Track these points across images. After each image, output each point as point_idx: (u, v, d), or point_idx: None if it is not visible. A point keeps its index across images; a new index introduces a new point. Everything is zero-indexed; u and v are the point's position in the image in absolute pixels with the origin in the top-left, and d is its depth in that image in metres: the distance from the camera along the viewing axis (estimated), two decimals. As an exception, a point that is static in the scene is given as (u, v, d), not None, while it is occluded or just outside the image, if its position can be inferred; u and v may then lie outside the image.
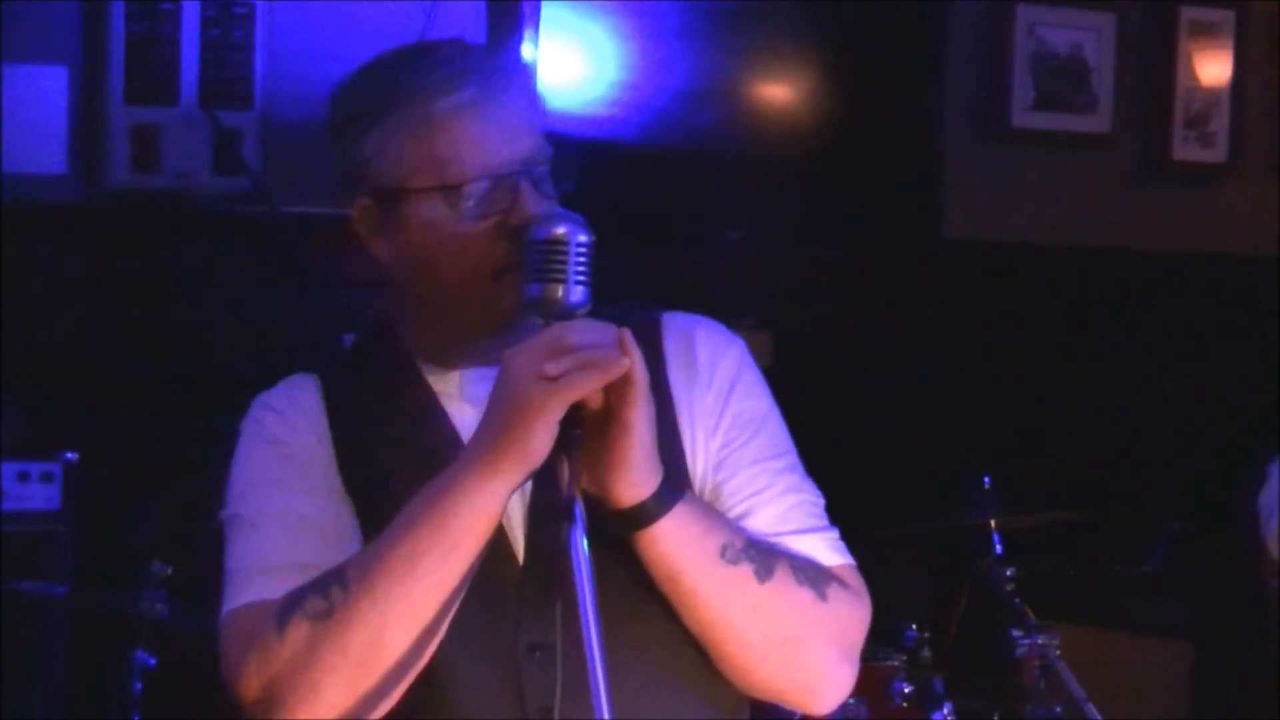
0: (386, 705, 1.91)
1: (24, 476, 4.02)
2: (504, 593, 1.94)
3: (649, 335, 2.08)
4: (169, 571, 3.48)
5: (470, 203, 1.97)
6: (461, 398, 2.07)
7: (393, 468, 2.03)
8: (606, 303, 1.94)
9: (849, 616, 2.04)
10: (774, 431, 2.12)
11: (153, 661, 3.48)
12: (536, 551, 1.97)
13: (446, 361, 2.08)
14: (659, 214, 4.67)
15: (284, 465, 2.04)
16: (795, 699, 2.05)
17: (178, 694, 3.46)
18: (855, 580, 2.07)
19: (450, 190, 1.96)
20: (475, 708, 1.97)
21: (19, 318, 4.37)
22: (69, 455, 4.05)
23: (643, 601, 1.96)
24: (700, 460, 2.07)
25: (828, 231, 5.14)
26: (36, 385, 4.28)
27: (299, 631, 1.88)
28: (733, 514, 2.04)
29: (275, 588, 1.94)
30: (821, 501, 2.11)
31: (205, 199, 4.52)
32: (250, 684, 1.90)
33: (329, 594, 1.89)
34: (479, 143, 1.96)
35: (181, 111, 4.52)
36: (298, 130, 4.60)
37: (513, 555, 1.99)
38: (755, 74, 5.20)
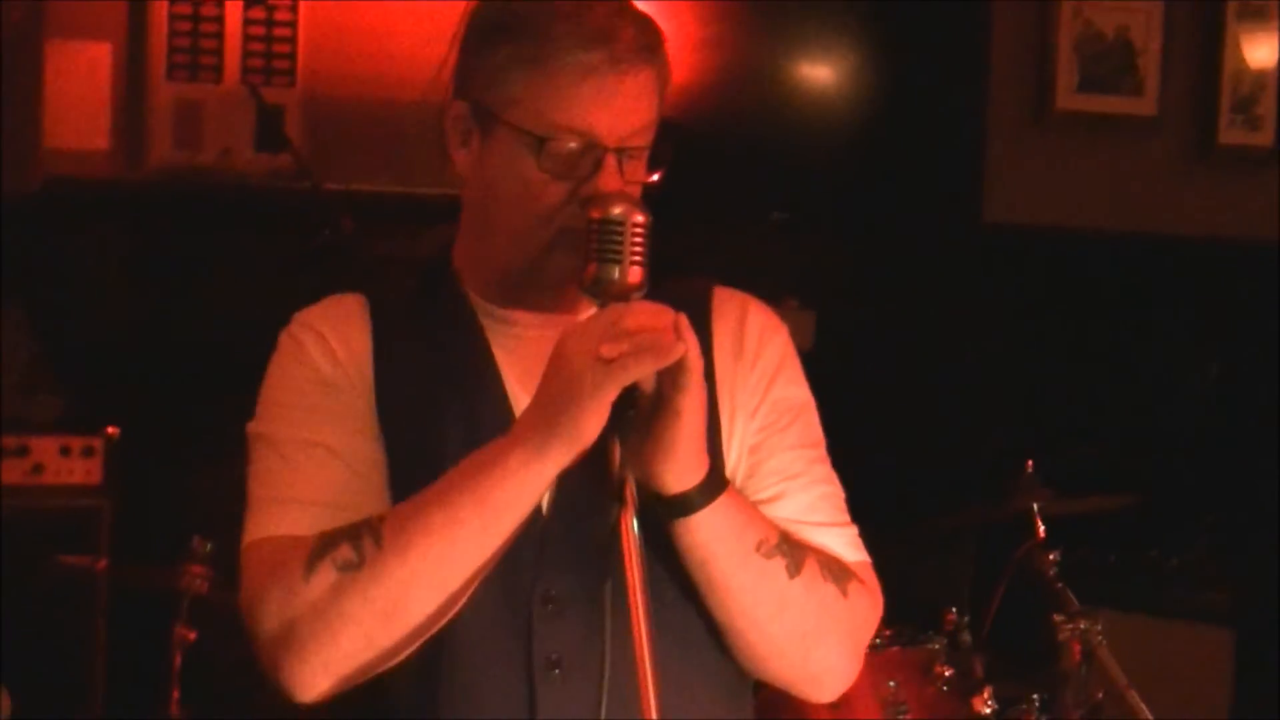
0: (399, 659, 1.91)
1: (66, 451, 4.04)
2: (523, 542, 1.92)
3: (699, 305, 2.07)
4: (209, 547, 3.48)
5: (552, 160, 1.95)
6: (515, 341, 2.05)
7: (432, 408, 2.01)
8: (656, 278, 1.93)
9: (865, 614, 2.05)
10: (810, 421, 2.12)
11: (193, 636, 3.49)
12: (566, 506, 1.96)
13: (499, 298, 2.06)
14: (702, 195, 4.66)
15: (317, 391, 2.01)
16: (801, 688, 2.06)
17: (218, 668, 3.47)
18: (872, 579, 2.07)
19: (537, 140, 1.94)
20: (482, 652, 1.96)
21: (61, 293, 4.39)
22: (110, 430, 4.07)
23: (662, 581, 1.94)
24: (735, 439, 2.06)
25: (871, 214, 5.13)
26: (78, 360, 4.30)
27: (325, 578, 1.87)
28: (763, 495, 2.04)
29: (300, 522, 1.93)
30: (844, 496, 2.11)
31: (248, 175, 4.53)
32: (269, 620, 1.89)
33: (360, 546, 1.88)
34: (583, 108, 1.94)
35: (224, 88, 4.54)
36: (340, 107, 4.61)
37: (537, 506, 1.96)
38: (800, 55, 5.19)
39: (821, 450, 2.11)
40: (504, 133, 1.96)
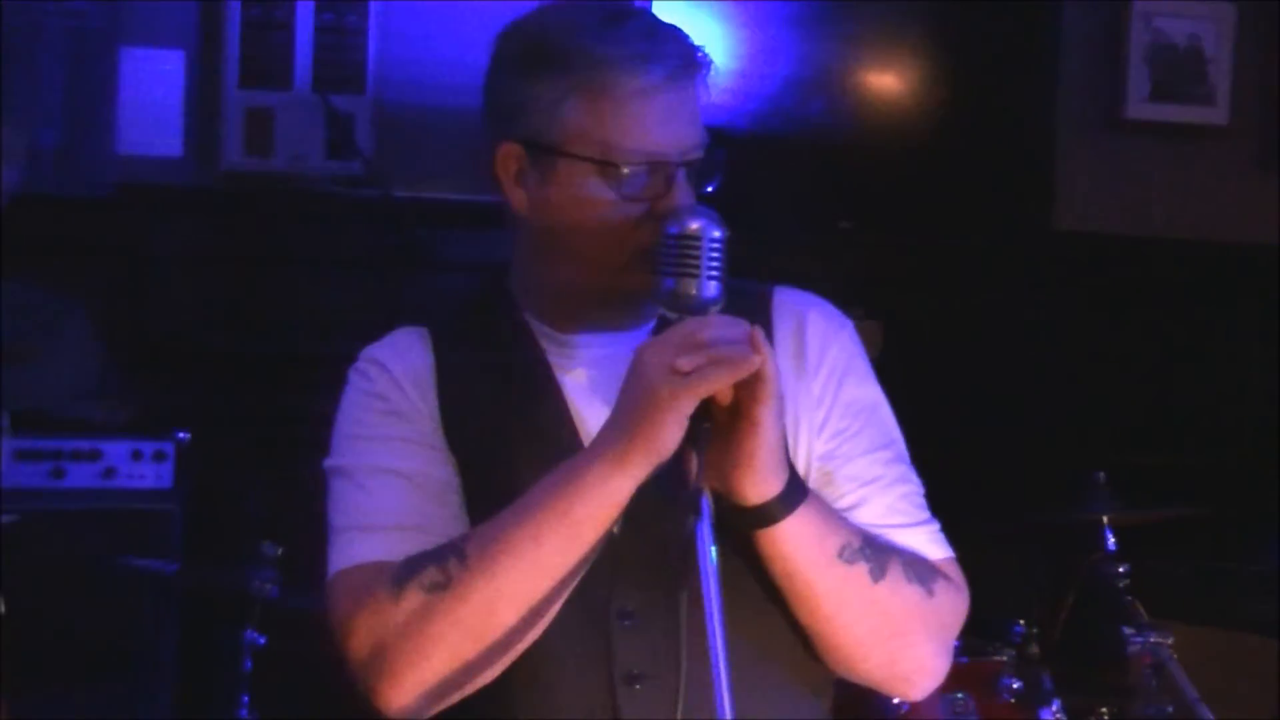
0: (490, 677, 1.93)
1: (137, 455, 4.07)
2: (596, 559, 1.92)
3: (759, 311, 2.07)
4: (279, 552, 3.50)
5: (627, 185, 1.96)
6: (574, 362, 2.06)
7: (498, 429, 2.03)
8: None
9: (951, 611, 2.04)
10: (883, 420, 2.11)
11: (263, 640, 3.51)
12: (637, 521, 1.95)
13: (561, 324, 2.07)
14: (770, 203, 4.65)
15: (387, 421, 2.04)
16: (892, 687, 2.07)
17: (287, 673, 3.49)
18: (957, 574, 2.07)
19: (610, 168, 1.95)
20: (563, 669, 1.98)
21: (133, 298, 4.42)
22: (181, 434, 4.10)
23: (740, 589, 1.93)
24: (802, 447, 2.05)
25: (939, 221, 5.11)
26: (150, 365, 4.33)
27: (414, 600, 1.89)
28: (843, 503, 2.03)
29: (382, 548, 1.96)
30: (923, 490, 2.10)
31: (318, 182, 4.56)
32: (360, 644, 1.92)
33: (446, 567, 1.90)
34: (652, 128, 1.95)
35: (295, 95, 4.56)
36: (410, 114, 4.63)
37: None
38: (866, 62, 5.18)
39: (898, 447, 2.10)
40: (569, 165, 1.97)
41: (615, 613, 1.98)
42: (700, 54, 2.00)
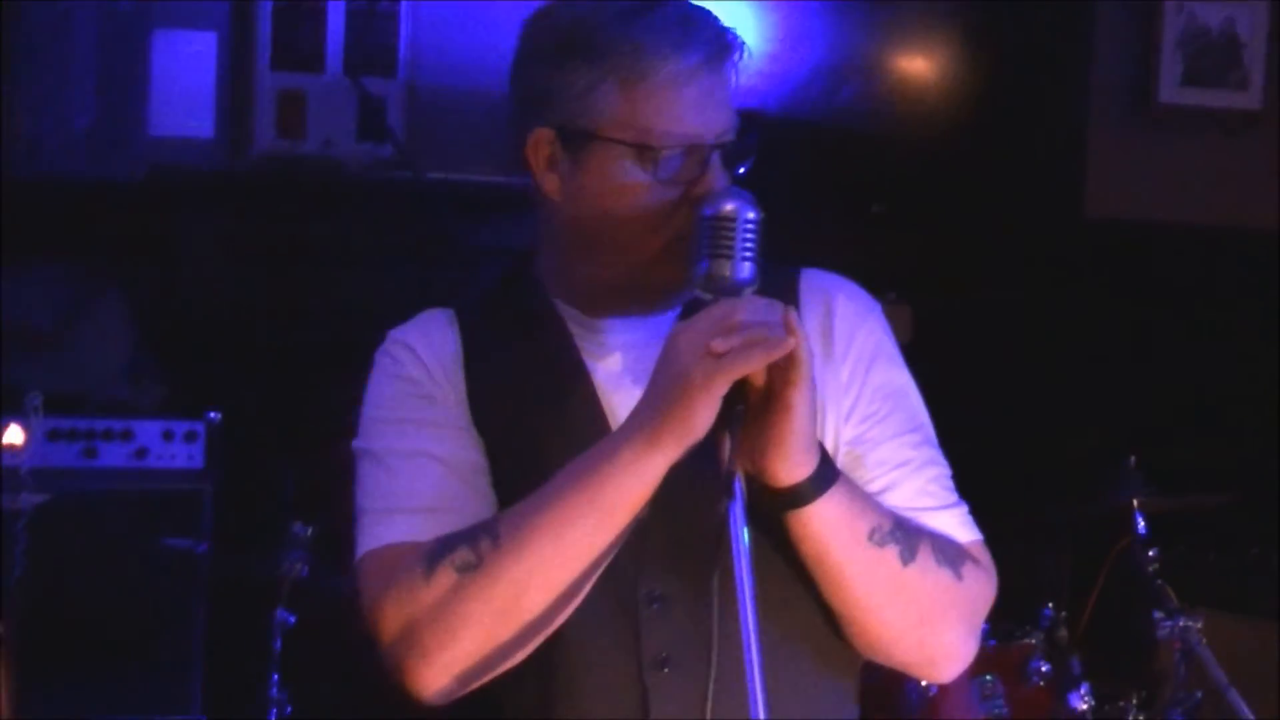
0: (519, 658, 1.93)
1: (168, 435, 4.09)
2: (627, 541, 1.92)
3: (786, 293, 2.06)
4: (309, 532, 3.51)
5: (663, 169, 1.96)
6: (603, 347, 2.06)
7: (526, 412, 2.03)
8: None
9: (980, 595, 2.04)
10: (912, 403, 2.10)
11: (292, 620, 3.52)
12: (666, 504, 1.95)
13: (590, 309, 2.06)
14: (802, 187, 4.65)
15: (414, 404, 2.04)
16: (921, 670, 2.08)
17: (317, 652, 3.51)
18: (985, 557, 2.06)
19: (646, 151, 1.95)
20: (591, 651, 1.98)
21: (164, 280, 4.44)
22: (212, 415, 4.12)
23: (771, 571, 1.94)
24: (829, 431, 2.05)
25: (970, 207, 5.10)
26: (181, 346, 4.35)
27: (444, 580, 1.90)
28: (872, 487, 2.03)
29: (411, 530, 1.96)
30: (951, 473, 2.10)
31: (350, 165, 4.57)
32: (390, 624, 1.92)
33: (478, 547, 1.90)
34: (687, 112, 1.95)
35: (327, 78, 4.57)
36: (442, 98, 4.64)
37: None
38: (899, 48, 5.17)
39: (927, 430, 2.09)
40: (604, 150, 1.96)
41: (644, 596, 1.98)
42: (732, 37, 2.00)
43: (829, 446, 2.03)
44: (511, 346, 2.07)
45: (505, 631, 1.90)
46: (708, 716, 1.89)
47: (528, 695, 1.99)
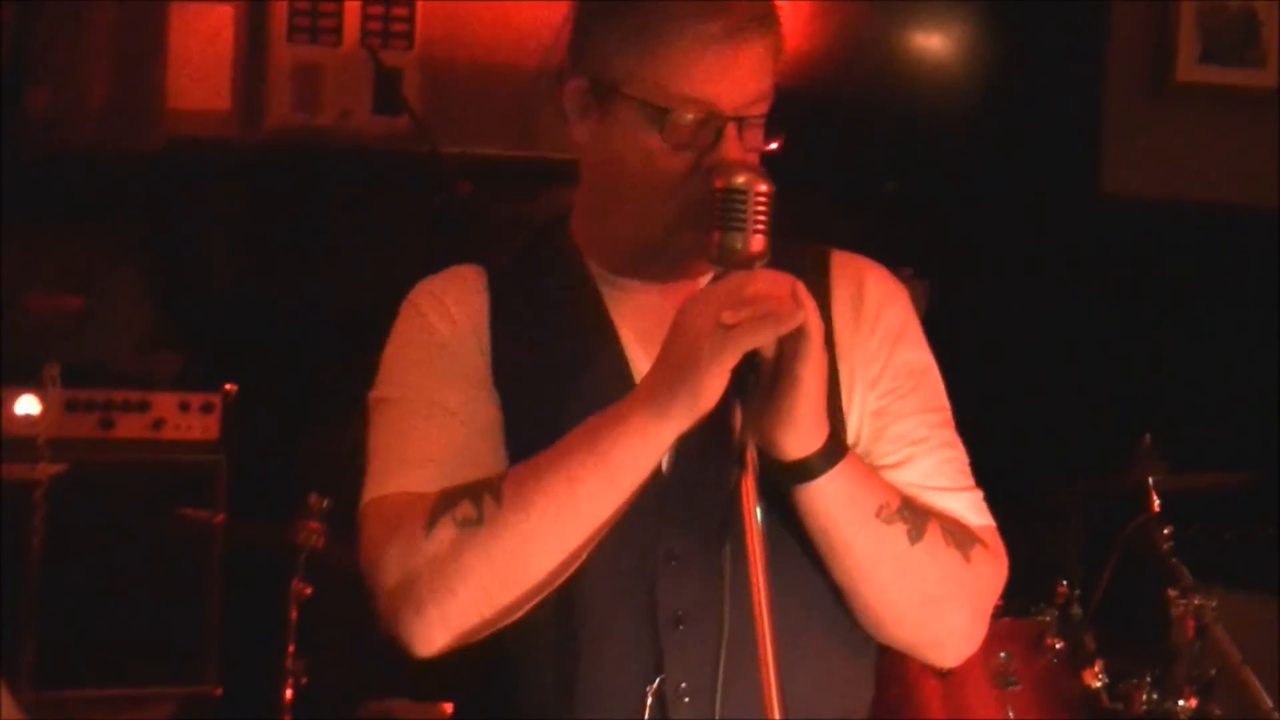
0: (514, 617, 1.94)
1: (185, 407, 4.10)
2: (645, 500, 1.93)
3: (817, 270, 2.09)
4: (325, 503, 3.52)
5: (674, 131, 1.96)
6: (630, 308, 2.07)
7: (550, 370, 2.04)
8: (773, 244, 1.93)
9: (989, 579, 2.05)
10: (933, 385, 2.12)
11: (308, 591, 3.53)
12: (686, 464, 1.97)
13: (616, 267, 2.08)
14: (817, 164, 4.65)
15: (436, 355, 2.05)
16: (925, 652, 2.08)
17: (333, 623, 3.52)
18: (996, 543, 2.07)
19: (659, 112, 1.96)
20: (607, 607, 1.99)
21: (182, 251, 4.45)
22: (228, 387, 4.12)
23: (784, 543, 1.95)
24: (855, 405, 2.06)
25: (986, 184, 5.09)
26: (198, 317, 4.36)
27: (445, 534, 1.90)
28: (888, 461, 2.04)
29: (419, 480, 1.96)
30: (967, 460, 2.11)
31: (365, 138, 4.57)
32: (388, 574, 1.92)
33: (481, 503, 1.91)
34: (704, 78, 1.95)
35: (343, 51, 4.57)
36: (458, 70, 4.63)
37: (658, 465, 1.97)
38: (914, 23, 5.15)
39: (945, 414, 2.11)
40: (624, 106, 1.98)
41: (662, 554, 1.98)
42: (765, 13, 2.00)
43: (856, 415, 2.05)
44: (540, 303, 2.07)
45: (502, 590, 1.91)
46: (719, 677, 1.90)
47: (542, 648, 2.00)
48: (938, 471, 2.05)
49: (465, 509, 1.91)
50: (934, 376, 2.12)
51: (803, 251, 2.10)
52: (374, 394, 2.07)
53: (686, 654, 1.97)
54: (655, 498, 1.94)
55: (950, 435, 2.10)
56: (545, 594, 1.93)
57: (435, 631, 1.91)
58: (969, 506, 2.06)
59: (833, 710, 2.05)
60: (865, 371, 2.07)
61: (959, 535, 2.01)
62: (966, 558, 2.00)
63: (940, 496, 2.03)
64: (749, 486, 1.83)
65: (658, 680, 1.97)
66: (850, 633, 2.05)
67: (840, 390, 2.05)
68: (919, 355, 2.11)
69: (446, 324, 2.06)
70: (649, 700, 1.96)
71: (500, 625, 1.93)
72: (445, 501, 1.92)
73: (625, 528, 1.93)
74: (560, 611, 1.97)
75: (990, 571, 2.04)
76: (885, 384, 2.07)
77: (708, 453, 1.90)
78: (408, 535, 1.91)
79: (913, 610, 2.00)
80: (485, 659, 1.99)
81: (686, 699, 1.96)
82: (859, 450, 2.03)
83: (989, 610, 2.07)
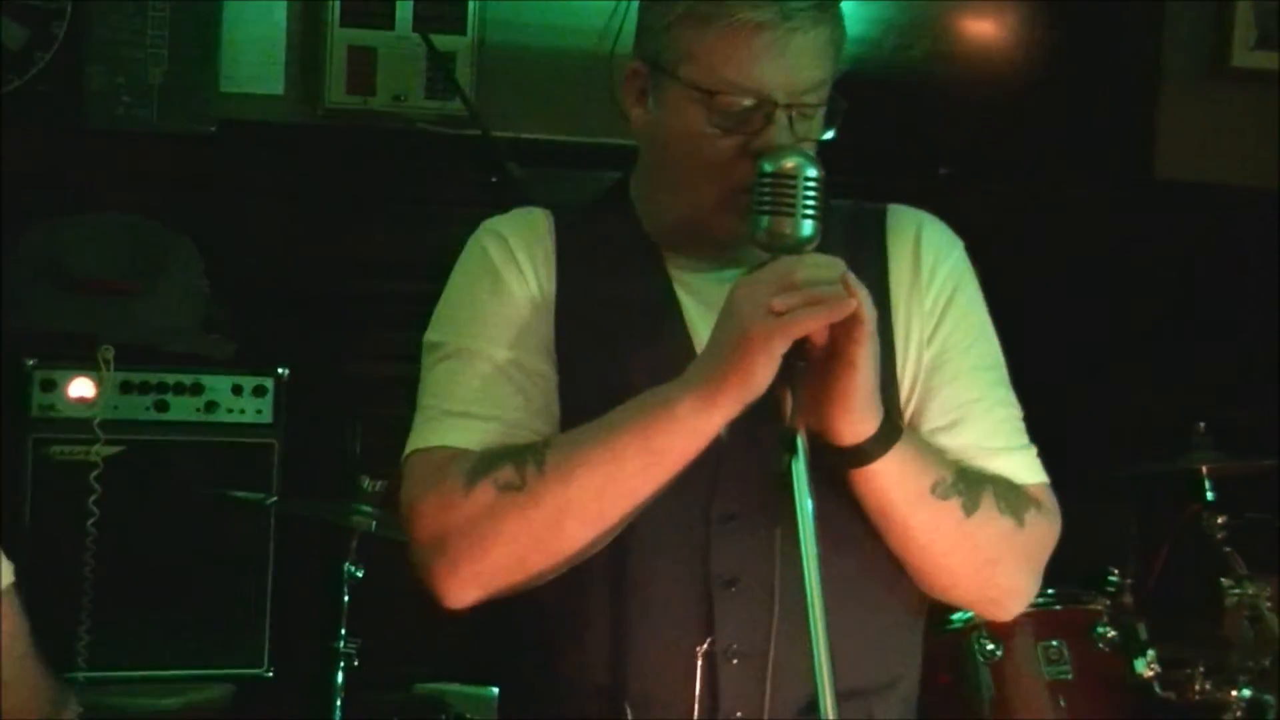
0: (549, 578, 1.95)
1: (238, 390, 4.11)
2: (701, 462, 1.93)
3: (873, 227, 2.10)
4: (378, 486, 3.52)
5: (723, 116, 1.97)
6: (690, 282, 2.07)
7: (614, 337, 2.04)
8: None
9: (1043, 538, 2.06)
10: (990, 341, 2.12)
11: (360, 573, 3.54)
12: (738, 428, 1.95)
13: (672, 246, 2.08)
14: (867, 146, 4.63)
15: (496, 300, 2.04)
16: (982, 609, 2.12)
17: (385, 606, 3.52)
18: (1050, 501, 2.08)
19: (709, 96, 1.96)
20: (660, 565, 2.00)
21: (235, 235, 4.46)
22: (281, 369, 4.14)
23: (835, 518, 1.94)
24: (910, 363, 2.07)
25: (1038, 168, 5.06)
26: (251, 300, 4.37)
27: (484, 496, 1.91)
28: (944, 420, 2.05)
29: (465, 435, 1.97)
30: (1023, 415, 2.11)
31: (419, 121, 4.58)
32: (425, 529, 1.95)
33: (523, 470, 1.92)
34: (752, 64, 1.95)
35: (397, 35, 4.58)
36: (511, 54, 4.64)
37: None
38: (967, 6, 5.13)
39: (1001, 370, 2.12)
40: (676, 89, 1.99)
41: (717, 515, 1.99)
42: (824, 4, 2.00)
43: (908, 374, 2.06)
44: (607, 267, 2.07)
45: (536, 556, 1.93)
46: (772, 641, 1.93)
47: (592, 606, 2.01)
48: (993, 432, 2.06)
49: (507, 473, 1.92)
50: (989, 333, 2.12)
51: (859, 211, 2.11)
52: (430, 335, 2.07)
53: (737, 616, 1.98)
54: (711, 459, 1.94)
55: (1004, 393, 2.10)
56: (577, 561, 1.94)
57: (467, 588, 1.95)
58: (1023, 465, 2.07)
59: (881, 675, 2.07)
60: (921, 329, 2.07)
61: (1013, 501, 2.02)
62: (1020, 523, 2.01)
63: (994, 457, 2.04)
64: (799, 473, 1.83)
65: (708, 641, 1.98)
66: (900, 601, 2.08)
67: (895, 358, 2.05)
68: (976, 311, 2.12)
69: (510, 266, 2.06)
70: (699, 661, 1.97)
71: (532, 585, 1.96)
72: (487, 462, 1.94)
73: (680, 488, 1.93)
74: (612, 569, 1.98)
75: (1044, 531, 2.06)
76: (940, 342, 2.08)
77: (765, 416, 1.89)
78: (447, 492, 1.93)
79: (969, 575, 2.03)
80: (533, 614, 2.02)
81: (735, 660, 1.98)
82: (912, 409, 2.05)
83: (1043, 566, 2.09)
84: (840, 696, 1.79)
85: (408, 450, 2.02)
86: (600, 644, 2.00)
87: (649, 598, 1.99)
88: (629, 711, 1.99)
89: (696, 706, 1.97)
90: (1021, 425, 2.10)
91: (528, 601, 1.99)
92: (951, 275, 2.10)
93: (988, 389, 2.08)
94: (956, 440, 2.04)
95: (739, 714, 1.97)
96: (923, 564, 2.01)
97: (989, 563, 2.02)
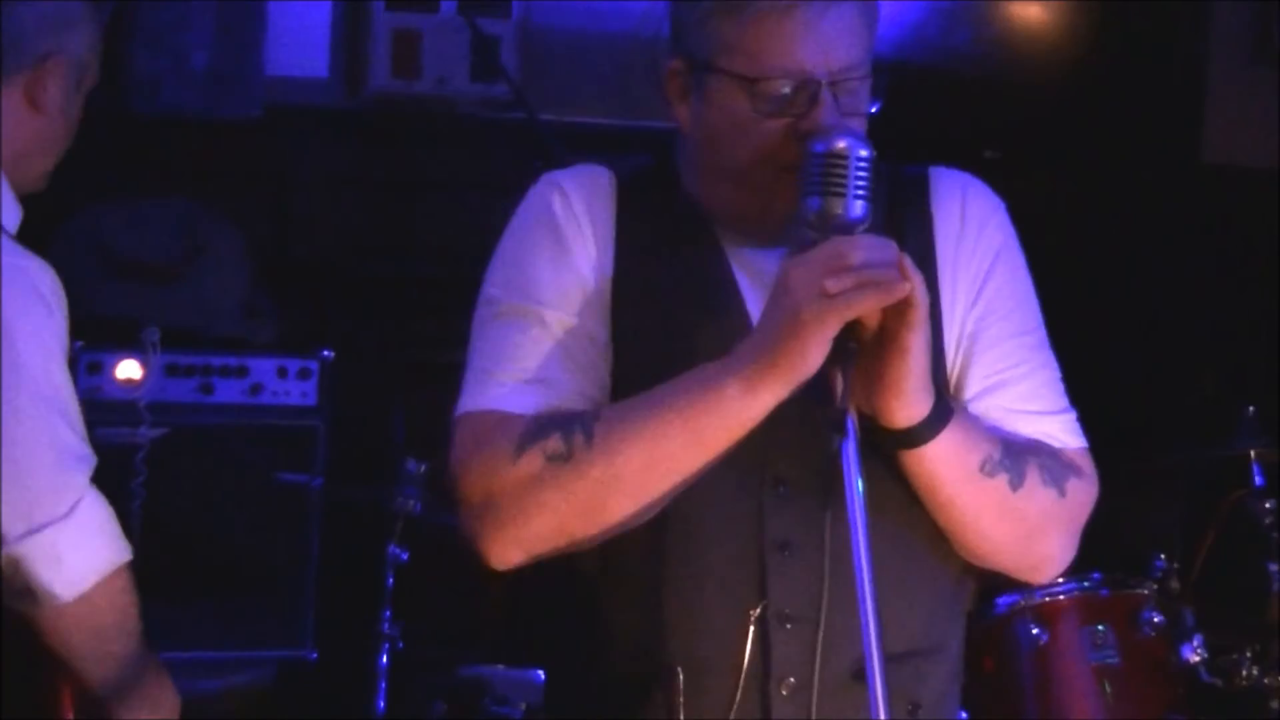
0: (592, 545, 1.96)
1: (283, 372, 4.13)
2: (756, 427, 1.92)
3: (917, 190, 2.09)
4: (423, 469, 3.53)
5: (767, 100, 1.96)
6: (745, 263, 2.06)
7: (671, 310, 2.03)
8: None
9: (1083, 504, 2.07)
10: (1032, 304, 2.12)
11: (405, 556, 3.54)
12: (800, 396, 1.93)
13: (729, 225, 2.07)
14: (913, 132, 4.62)
15: (553, 258, 2.03)
16: (1021, 574, 2.11)
17: (429, 588, 3.53)
18: (1089, 465, 2.09)
19: (750, 83, 1.96)
20: (713, 528, 2.00)
21: (280, 218, 4.48)
22: (326, 352, 4.15)
23: (884, 494, 1.95)
24: (956, 322, 2.07)
25: (1084, 153, 5.05)
26: (296, 284, 4.39)
27: (531, 464, 1.92)
28: (985, 385, 2.05)
29: (514, 399, 1.98)
30: (1060, 380, 2.11)
31: (463, 105, 4.59)
32: (472, 491, 1.95)
33: (571, 440, 1.92)
34: (791, 46, 1.95)
35: (442, 18, 4.59)
36: (556, 38, 4.64)
37: None
38: (1014, -9, 5.13)
39: (1041, 334, 2.12)
40: (718, 81, 1.98)
41: (770, 479, 1.99)
42: None
43: (953, 337, 2.06)
44: (665, 237, 2.06)
45: (578, 525, 1.94)
46: (824, 606, 1.94)
47: (644, 569, 2.01)
48: (1034, 395, 2.07)
49: (555, 443, 1.92)
50: (1031, 296, 2.12)
51: (902, 174, 2.11)
52: (487, 287, 2.06)
53: (790, 581, 1.98)
54: (766, 425, 1.92)
55: (1045, 356, 2.11)
56: (623, 529, 1.95)
57: (511, 551, 1.96)
58: (1063, 429, 2.08)
59: (928, 641, 2.07)
60: (967, 292, 2.07)
61: (1055, 471, 2.03)
62: (1062, 492, 2.03)
63: (1034, 420, 2.05)
64: (850, 454, 1.82)
65: (761, 605, 1.98)
66: (948, 567, 2.08)
67: (941, 327, 2.05)
68: (1018, 274, 2.12)
69: (570, 220, 2.05)
70: (751, 625, 1.98)
71: (575, 551, 1.97)
72: (536, 430, 1.94)
73: (735, 453, 1.93)
74: (665, 532, 1.98)
75: (1084, 497, 2.07)
76: (984, 305, 2.07)
77: (819, 383, 1.88)
78: (494, 458, 1.94)
79: (1011, 545, 2.04)
80: (587, 575, 2.02)
81: (788, 625, 1.98)
82: (956, 372, 2.05)
83: (1080, 530, 2.10)
84: (890, 659, 1.81)
85: (459, 410, 2.02)
86: (653, 606, 2.01)
87: (702, 561, 2.00)
88: (680, 673, 1.99)
89: (745, 668, 1.97)
90: (1061, 387, 2.11)
91: (581, 562, 2.00)
92: (996, 238, 2.10)
93: (1030, 352, 2.08)
94: (998, 402, 2.04)
95: (790, 678, 1.98)
96: (967, 536, 2.03)
97: (1032, 533, 2.04)
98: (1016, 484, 1.99)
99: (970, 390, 2.05)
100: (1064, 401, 2.10)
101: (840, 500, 1.83)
